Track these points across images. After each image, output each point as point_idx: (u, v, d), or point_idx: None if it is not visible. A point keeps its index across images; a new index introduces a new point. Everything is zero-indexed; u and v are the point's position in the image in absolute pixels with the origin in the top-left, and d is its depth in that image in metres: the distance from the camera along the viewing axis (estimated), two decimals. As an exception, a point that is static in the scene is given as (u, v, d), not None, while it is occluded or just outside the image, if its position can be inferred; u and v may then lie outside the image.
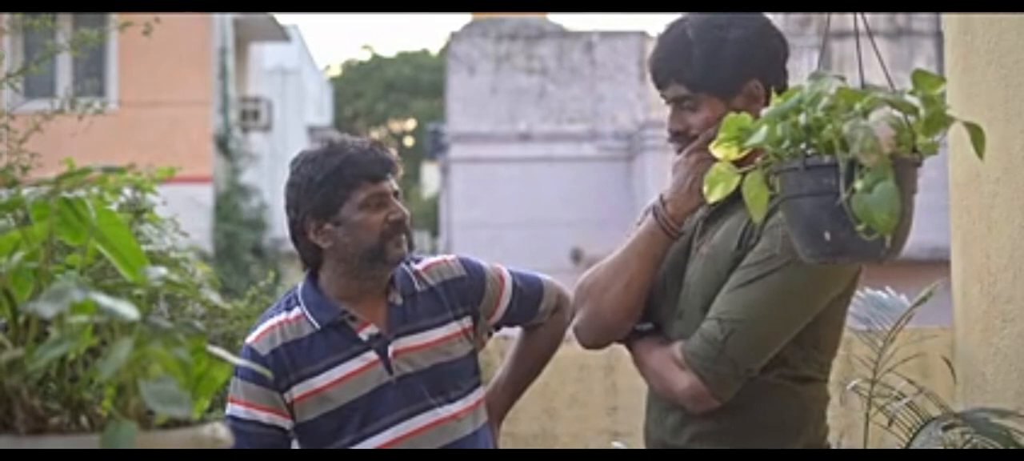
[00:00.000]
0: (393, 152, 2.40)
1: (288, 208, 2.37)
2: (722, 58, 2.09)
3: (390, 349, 2.33)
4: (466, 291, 2.44)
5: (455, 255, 2.54)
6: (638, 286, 2.18)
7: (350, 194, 2.29)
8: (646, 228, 2.18)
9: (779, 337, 2.05)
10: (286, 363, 2.30)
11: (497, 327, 2.54)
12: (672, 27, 2.16)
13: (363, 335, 2.33)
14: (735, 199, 1.91)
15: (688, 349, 2.05)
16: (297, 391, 2.30)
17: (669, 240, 2.17)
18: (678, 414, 2.15)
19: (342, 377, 2.31)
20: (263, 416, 2.29)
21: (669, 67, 2.14)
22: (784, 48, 2.18)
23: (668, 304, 2.21)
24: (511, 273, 2.52)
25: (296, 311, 2.36)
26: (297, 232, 2.36)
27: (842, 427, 3.16)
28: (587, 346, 2.27)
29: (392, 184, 2.34)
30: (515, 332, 2.66)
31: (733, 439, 2.11)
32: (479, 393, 2.45)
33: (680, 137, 2.17)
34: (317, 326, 2.33)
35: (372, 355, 2.32)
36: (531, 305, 2.52)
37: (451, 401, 2.36)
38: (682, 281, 2.18)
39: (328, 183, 2.30)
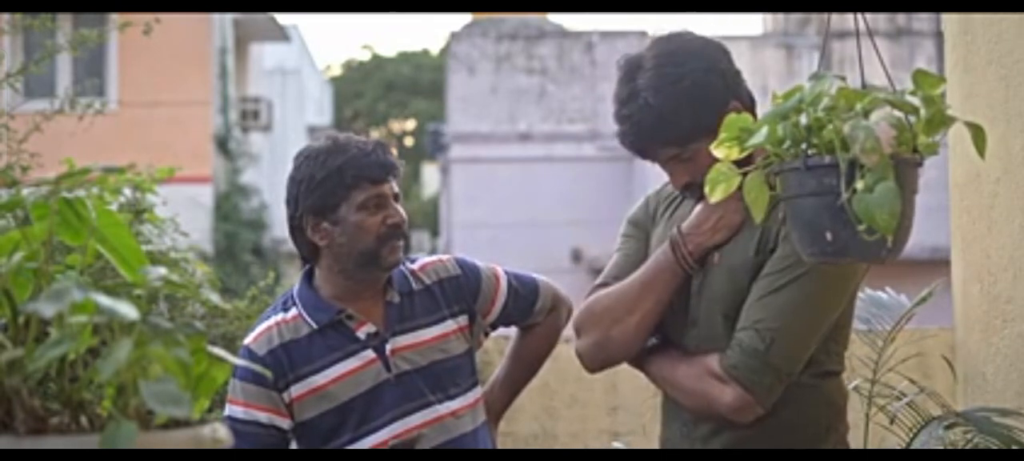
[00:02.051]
0: (395, 154, 2.40)
1: (288, 202, 2.36)
2: (694, 107, 2.07)
3: (388, 347, 2.33)
4: (462, 290, 2.45)
5: (451, 255, 2.55)
6: (649, 321, 2.17)
7: (349, 194, 2.29)
8: (662, 261, 2.16)
9: (815, 338, 2.06)
10: (284, 363, 2.31)
11: (493, 327, 2.54)
12: (627, 100, 2.11)
13: (361, 334, 2.34)
14: None
15: (729, 362, 2.04)
16: (295, 391, 2.30)
17: (685, 276, 2.15)
18: (709, 424, 2.15)
19: (341, 375, 2.31)
20: (262, 416, 2.29)
21: (650, 141, 2.12)
22: (728, 55, 2.17)
23: (677, 313, 2.21)
24: (507, 273, 2.53)
25: (293, 312, 2.36)
26: (295, 228, 2.36)
27: (842, 427, 3.16)
28: (591, 371, 2.27)
29: (392, 186, 2.34)
30: (512, 331, 2.66)
31: (767, 442, 2.11)
32: (477, 392, 2.45)
33: (691, 187, 2.15)
34: (314, 326, 2.33)
35: (370, 354, 2.33)
36: (527, 305, 2.53)
37: (451, 398, 2.37)
38: (689, 290, 2.18)
39: (329, 181, 2.29)
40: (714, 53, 2.14)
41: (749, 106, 2.13)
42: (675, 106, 2.06)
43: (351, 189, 2.29)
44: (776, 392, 2.04)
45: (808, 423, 2.12)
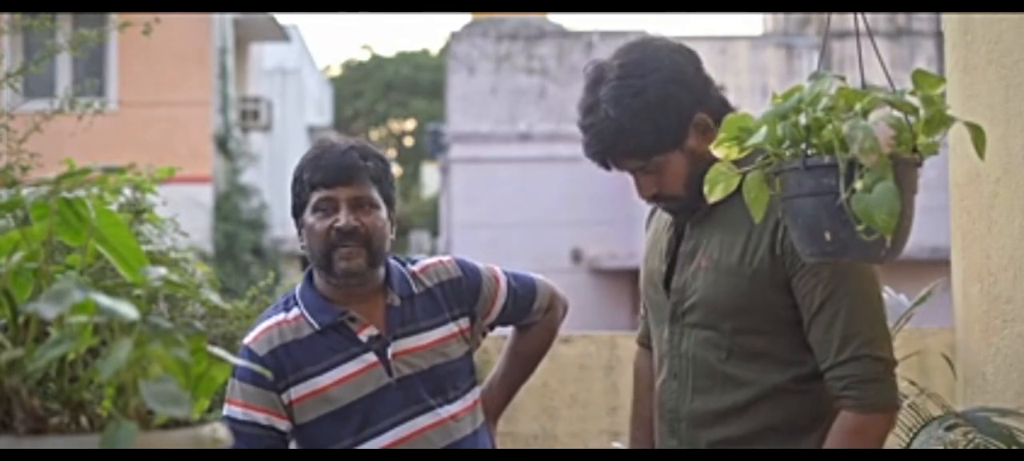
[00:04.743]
0: (377, 158, 2.35)
1: None
2: (656, 120, 2.06)
3: (389, 351, 2.33)
4: (463, 292, 2.44)
5: (451, 256, 2.54)
6: None
7: (309, 197, 2.30)
8: None
9: (884, 315, 2.11)
10: (285, 364, 2.30)
11: (491, 327, 2.54)
12: (589, 111, 2.10)
13: (363, 336, 2.33)
14: (721, 205, 1.94)
15: (868, 402, 2.03)
16: (296, 392, 2.29)
17: None
18: (689, 422, 2.19)
19: (342, 378, 2.30)
20: (260, 417, 2.28)
21: (610, 153, 2.11)
22: (696, 62, 2.15)
23: (657, 310, 2.27)
24: (505, 273, 2.53)
25: (295, 312, 2.35)
26: None
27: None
28: None
29: (356, 191, 2.29)
30: (509, 330, 2.66)
31: (750, 439, 2.14)
32: (476, 393, 2.45)
33: (659, 198, 2.18)
34: (317, 327, 2.32)
35: (371, 357, 2.32)
36: (525, 305, 2.53)
37: (450, 401, 2.36)
38: (669, 287, 2.21)
39: (296, 185, 2.34)
40: (680, 62, 2.12)
41: (720, 114, 2.10)
42: (636, 119, 2.05)
43: (310, 192, 2.30)
44: (895, 383, 2.08)
45: (789, 423, 2.13)
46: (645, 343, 2.45)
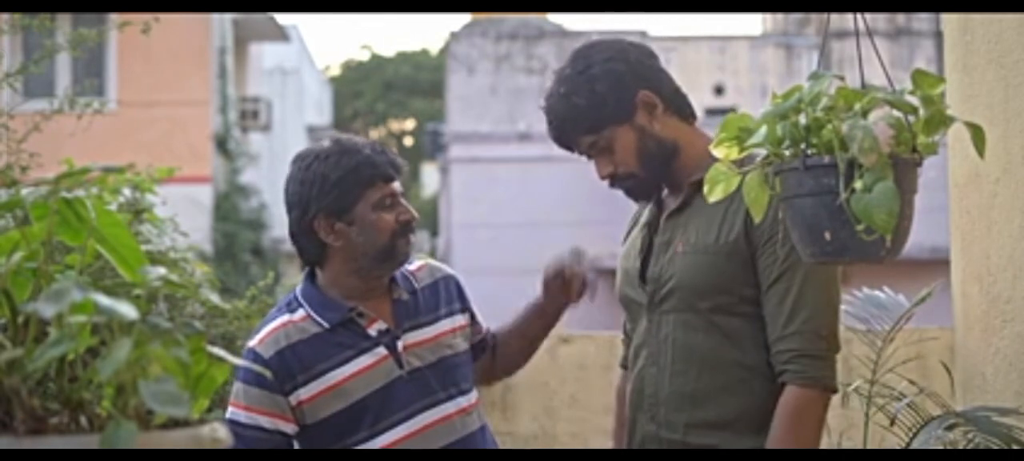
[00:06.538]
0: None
1: (293, 205, 2.34)
2: (602, 92, 2.24)
3: (399, 344, 2.34)
4: (457, 289, 2.51)
5: (425, 262, 2.56)
6: None
7: (365, 193, 2.31)
8: None
9: (839, 305, 2.22)
10: (293, 365, 2.29)
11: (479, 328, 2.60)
12: (549, 97, 2.31)
13: (372, 331, 2.34)
14: (694, 199, 2.06)
15: (808, 375, 2.12)
16: (305, 392, 2.28)
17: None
18: (668, 406, 2.24)
19: (354, 372, 2.31)
20: (265, 421, 2.28)
21: (566, 130, 2.28)
22: (648, 53, 2.32)
23: (634, 307, 2.36)
24: None
25: (301, 313, 2.34)
26: (303, 230, 2.34)
27: (842, 427, 3.17)
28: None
29: (400, 186, 2.39)
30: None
31: (726, 424, 2.19)
32: (476, 392, 2.47)
33: (617, 178, 2.29)
34: (326, 325, 2.32)
35: (382, 350, 2.33)
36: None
37: (462, 393, 2.39)
38: (645, 279, 2.30)
39: (344, 182, 2.31)
40: (624, 48, 2.30)
41: (670, 98, 2.26)
42: (582, 93, 2.23)
43: (367, 188, 2.32)
44: (834, 365, 2.17)
45: (761, 405, 2.17)
46: (628, 367, 2.48)
